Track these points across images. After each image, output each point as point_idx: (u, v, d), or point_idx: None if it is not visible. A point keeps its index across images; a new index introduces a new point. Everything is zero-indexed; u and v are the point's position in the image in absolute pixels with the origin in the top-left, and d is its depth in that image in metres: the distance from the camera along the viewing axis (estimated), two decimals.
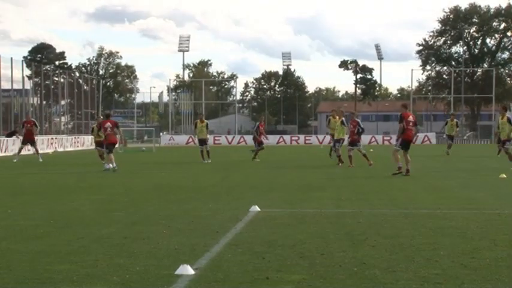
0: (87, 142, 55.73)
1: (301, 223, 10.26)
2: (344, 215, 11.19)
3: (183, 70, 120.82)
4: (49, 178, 21.41)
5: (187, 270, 6.61)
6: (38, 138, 47.39)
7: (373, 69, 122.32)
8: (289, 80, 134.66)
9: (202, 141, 29.81)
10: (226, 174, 22.41)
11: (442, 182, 18.38)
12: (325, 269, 6.90)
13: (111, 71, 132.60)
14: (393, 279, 6.44)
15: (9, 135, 44.64)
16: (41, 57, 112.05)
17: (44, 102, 61.88)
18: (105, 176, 21.73)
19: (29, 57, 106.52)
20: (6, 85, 52.51)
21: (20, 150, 33.98)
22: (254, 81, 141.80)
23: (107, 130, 24.41)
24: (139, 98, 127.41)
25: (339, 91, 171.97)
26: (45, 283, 6.36)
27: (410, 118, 20.24)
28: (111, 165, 23.67)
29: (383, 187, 16.63)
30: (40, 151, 44.44)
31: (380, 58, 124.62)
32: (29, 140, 33.38)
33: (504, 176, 19.14)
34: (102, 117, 30.63)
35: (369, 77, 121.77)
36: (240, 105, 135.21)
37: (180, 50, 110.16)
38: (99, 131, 26.80)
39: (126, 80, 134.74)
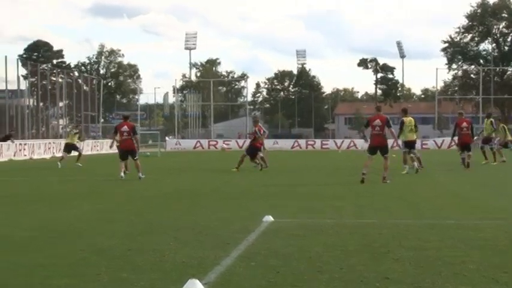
0: (86, 147, 55.78)
1: (319, 234, 10.23)
2: (364, 226, 11.16)
3: (190, 69, 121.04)
4: (46, 185, 21.47)
5: (196, 285, 6.58)
6: (35, 143, 47.77)
7: (394, 68, 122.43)
8: (304, 79, 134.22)
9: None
10: (238, 180, 22.39)
11: (470, 191, 18.30)
12: (345, 284, 6.88)
13: (112, 70, 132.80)
14: None
15: (4, 139, 44.85)
16: (38, 55, 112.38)
17: (41, 104, 62.12)
18: (106, 183, 21.75)
19: (24, 56, 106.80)
20: (0, 86, 52.86)
21: None
22: (266, 81, 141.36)
23: (123, 134, 23.40)
24: (142, 100, 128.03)
25: (357, 92, 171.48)
26: None
27: (377, 122, 20.80)
28: (141, 173, 22.67)
29: (405, 195, 16.61)
30: (37, 156, 44.88)
31: (402, 56, 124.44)
32: None
33: None
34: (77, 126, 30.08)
35: (390, 76, 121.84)
36: (252, 107, 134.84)
37: (186, 48, 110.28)
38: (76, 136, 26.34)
39: (129, 80, 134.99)
